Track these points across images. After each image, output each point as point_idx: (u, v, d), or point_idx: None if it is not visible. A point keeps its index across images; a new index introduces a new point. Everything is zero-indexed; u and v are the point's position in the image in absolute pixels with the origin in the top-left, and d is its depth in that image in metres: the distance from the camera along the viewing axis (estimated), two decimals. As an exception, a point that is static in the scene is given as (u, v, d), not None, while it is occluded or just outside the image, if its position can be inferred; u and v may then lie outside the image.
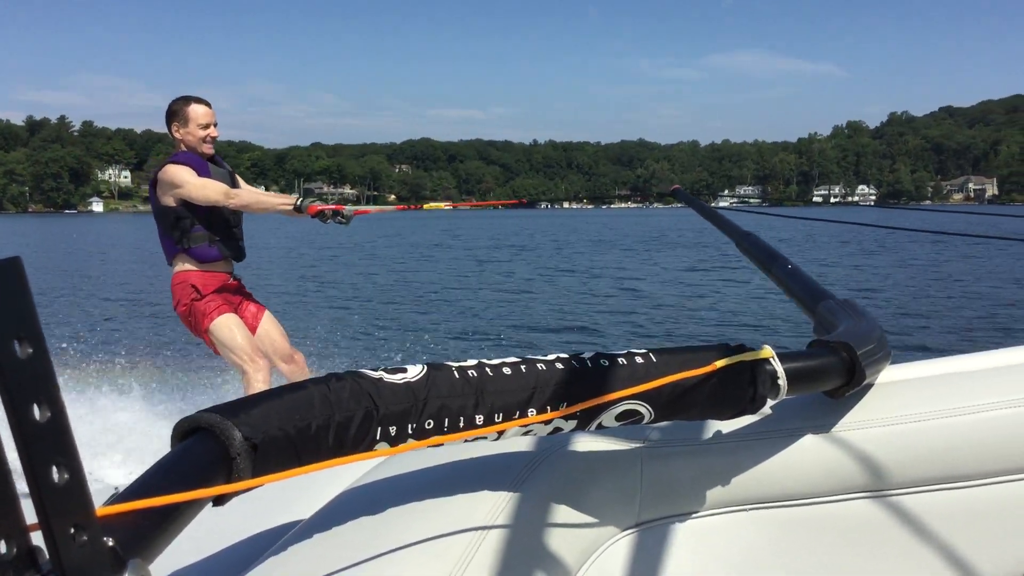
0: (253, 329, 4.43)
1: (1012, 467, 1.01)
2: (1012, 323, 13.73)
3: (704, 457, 1.05)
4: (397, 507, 0.91)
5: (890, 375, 1.10)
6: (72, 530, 0.40)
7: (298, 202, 4.26)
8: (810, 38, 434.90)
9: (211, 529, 1.18)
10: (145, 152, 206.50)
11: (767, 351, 0.92)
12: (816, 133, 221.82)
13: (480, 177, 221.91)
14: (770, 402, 0.93)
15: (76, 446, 0.41)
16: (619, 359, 0.85)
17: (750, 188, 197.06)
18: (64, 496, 0.39)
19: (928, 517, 1.02)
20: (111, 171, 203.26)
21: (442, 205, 5.50)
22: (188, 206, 4.20)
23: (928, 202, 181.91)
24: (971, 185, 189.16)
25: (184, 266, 4.30)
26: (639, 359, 0.86)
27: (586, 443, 1.05)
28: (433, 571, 0.79)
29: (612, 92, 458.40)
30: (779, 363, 0.92)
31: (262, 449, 0.61)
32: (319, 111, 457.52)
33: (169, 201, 4.22)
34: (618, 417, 0.85)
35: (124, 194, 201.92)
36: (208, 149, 4.27)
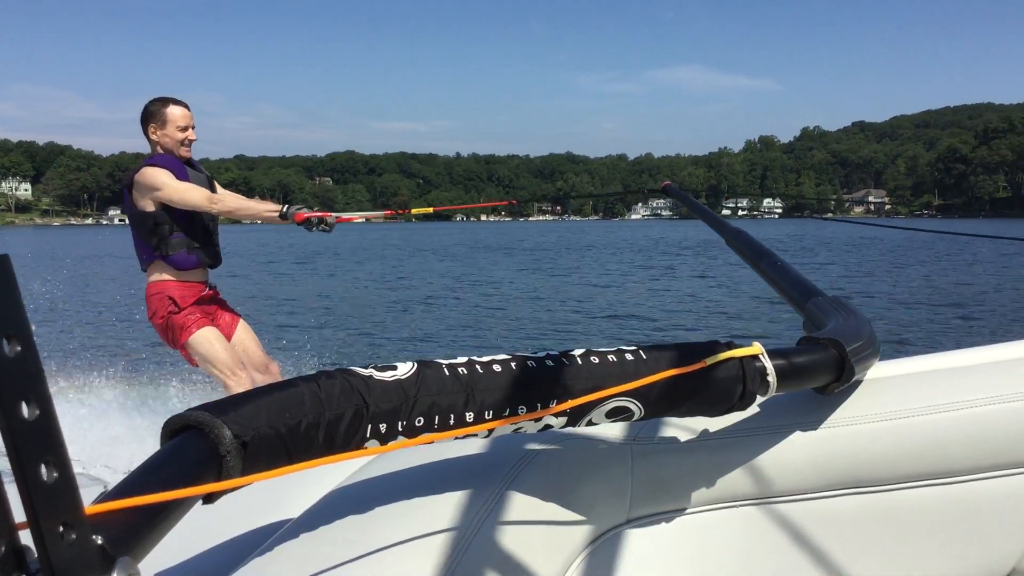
0: (228, 337, 4.30)
1: (1000, 462, 1.02)
2: (999, 320, 13.80)
3: (694, 454, 1.05)
4: (387, 505, 0.90)
5: (879, 371, 1.11)
6: (61, 528, 0.40)
7: (284, 209, 4.11)
8: (749, 54, 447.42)
9: (201, 527, 1.21)
10: (46, 164, 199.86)
11: (756, 347, 0.92)
12: (727, 148, 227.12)
13: (395, 190, 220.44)
14: (760, 398, 0.94)
15: (65, 444, 0.40)
16: (609, 356, 0.85)
17: (662, 200, 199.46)
18: (53, 494, 0.39)
19: (917, 513, 1.03)
20: (8, 184, 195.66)
21: (428, 210, 5.16)
22: (168, 211, 4.03)
23: (830, 215, 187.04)
24: (870, 198, 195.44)
25: (161, 275, 4.12)
26: (629, 356, 0.86)
27: (576, 440, 1.05)
28: (423, 569, 0.78)
29: (556, 105, 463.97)
30: (768, 359, 0.92)
31: (252, 447, 0.61)
32: (262, 123, 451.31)
33: (147, 205, 4.02)
34: (608, 414, 0.85)
35: (22, 207, 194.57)
36: (186, 152, 4.12)
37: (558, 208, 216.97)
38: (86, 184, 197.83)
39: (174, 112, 4.06)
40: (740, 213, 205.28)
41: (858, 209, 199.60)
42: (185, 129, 4.08)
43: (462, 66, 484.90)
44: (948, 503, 1.03)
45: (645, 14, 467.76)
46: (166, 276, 4.11)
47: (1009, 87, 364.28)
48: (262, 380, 4.33)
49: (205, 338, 4.12)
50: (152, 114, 4.07)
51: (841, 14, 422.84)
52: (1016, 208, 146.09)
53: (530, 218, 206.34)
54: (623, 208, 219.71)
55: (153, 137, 4.07)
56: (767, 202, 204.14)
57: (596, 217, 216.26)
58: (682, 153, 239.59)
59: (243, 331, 4.42)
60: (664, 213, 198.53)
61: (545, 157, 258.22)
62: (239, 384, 4.11)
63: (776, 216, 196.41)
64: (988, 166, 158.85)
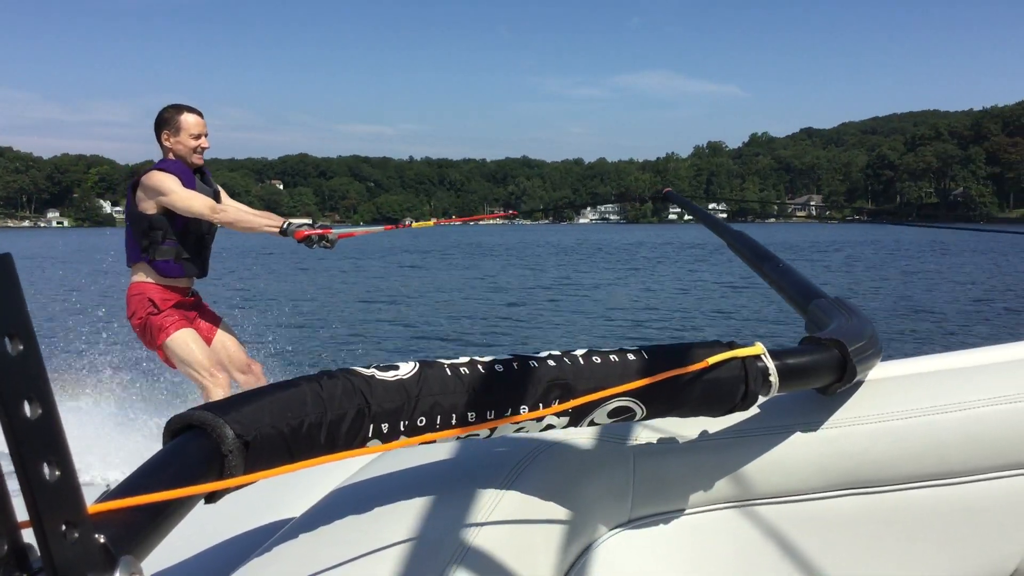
0: (209, 340, 4.32)
1: (1001, 463, 1.02)
2: (1002, 320, 13.96)
3: (696, 454, 1.05)
4: (389, 505, 0.90)
5: (880, 372, 1.10)
6: (63, 527, 0.40)
7: (284, 226, 4.13)
8: (714, 60, 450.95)
9: (203, 526, 1.21)
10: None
11: (758, 347, 0.92)
12: (674, 153, 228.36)
13: (344, 194, 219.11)
14: (762, 399, 0.93)
15: (67, 443, 0.41)
16: (611, 356, 0.85)
17: (611, 207, 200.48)
18: (55, 493, 0.39)
19: (919, 514, 1.03)
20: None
21: (430, 223, 5.16)
22: (167, 216, 4.09)
23: (772, 220, 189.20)
24: (812, 204, 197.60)
25: (143, 277, 4.19)
26: (631, 356, 0.86)
27: (578, 440, 1.05)
28: (424, 569, 0.78)
29: (525, 109, 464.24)
30: (770, 359, 0.91)
31: (254, 447, 0.61)
32: (227, 125, 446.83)
33: (148, 208, 4.09)
34: (610, 414, 0.85)
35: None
36: (198, 159, 4.19)
37: (511, 212, 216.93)
38: (24, 186, 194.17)
39: (188, 120, 4.12)
40: (686, 218, 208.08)
41: (800, 214, 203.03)
42: (198, 137, 4.14)
43: (431, 70, 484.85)
44: (950, 504, 1.02)
45: (613, 19, 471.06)
46: (148, 279, 4.17)
47: (955, 95, 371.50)
48: (244, 381, 4.40)
49: (183, 339, 4.15)
50: (166, 121, 4.12)
51: (802, 23, 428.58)
52: (942, 213, 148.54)
53: (480, 222, 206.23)
54: (571, 213, 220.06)
55: (166, 144, 4.12)
56: (712, 206, 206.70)
57: (546, 221, 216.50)
58: (650, 158, 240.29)
59: (224, 333, 4.45)
60: (612, 218, 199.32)
61: (500, 161, 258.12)
62: (216, 385, 4.12)
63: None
64: (914, 172, 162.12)
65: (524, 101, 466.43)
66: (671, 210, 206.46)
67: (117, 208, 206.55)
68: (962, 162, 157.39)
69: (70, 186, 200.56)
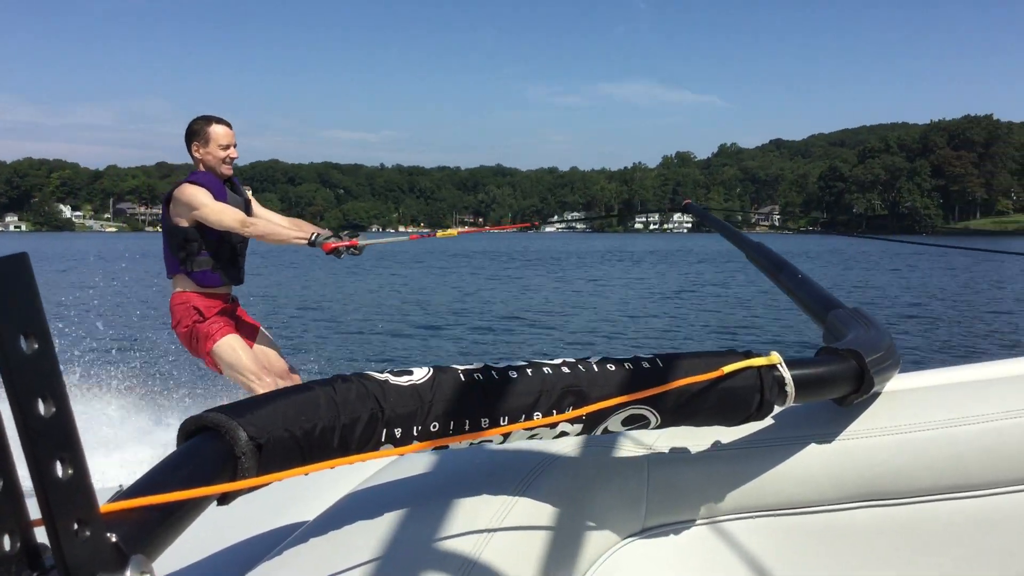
0: (249, 347, 4.37)
1: (1019, 477, 1.00)
2: (1020, 334, 13.99)
3: (710, 464, 1.04)
4: (402, 510, 0.90)
5: (897, 384, 1.09)
6: (75, 526, 0.40)
7: (313, 237, 4.12)
8: (695, 71, 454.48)
9: (215, 528, 1.20)
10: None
11: (775, 357, 0.91)
12: (641, 163, 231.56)
13: (311, 200, 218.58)
14: (777, 409, 0.93)
15: (80, 442, 0.41)
16: (626, 364, 0.85)
17: (576, 213, 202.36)
18: (68, 491, 0.39)
19: (934, 527, 1.01)
20: None
21: (453, 232, 5.08)
22: (200, 229, 4.15)
23: (737, 229, 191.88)
24: (775, 215, 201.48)
25: (185, 286, 4.27)
26: (646, 364, 0.85)
27: (592, 448, 1.04)
28: (437, 574, 0.78)
29: (507, 117, 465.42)
30: (787, 369, 0.91)
31: (267, 450, 0.62)
32: None
33: (181, 221, 4.16)
34: (624, 422, 0.84)
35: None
36: (227, 170, 4.25)
37: (480, 220, 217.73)
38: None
39: (217, 131, 4.19)
40: (651, 227, 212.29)
41: (764, 224, 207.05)
42: (227, 147, 4.20)
43: (416, 78, 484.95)
44: (967, 517, 1.01)
45: (597, 29, 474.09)
46: (189, 289, 4.26)
47: (924, 106, 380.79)
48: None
49: (230, 345, 4.23)
50: (196, 132, 4.20)
51: (781, 34, 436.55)
52: (891, 225, 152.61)
53: (448, 228, 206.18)
54: (539, 220, 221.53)
55: (196, 155, 4.20)
56: (677, 217, 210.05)
57: (514, 229, 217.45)
58: (627, 167, 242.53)
59: (264, 340, 4.53)
60: (578, 227, 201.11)
61: (474, 169, 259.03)
62: (264, 388, 4.10)
63: (685, 231, 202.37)
64: (863, 184, 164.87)
65: (508, 109, 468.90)
66: (637, 220, 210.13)
67: (77, 213, 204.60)
68: (909, 175, 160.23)
69: (30, 190, 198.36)
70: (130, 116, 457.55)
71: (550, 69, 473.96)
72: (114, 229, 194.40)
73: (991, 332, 14.46)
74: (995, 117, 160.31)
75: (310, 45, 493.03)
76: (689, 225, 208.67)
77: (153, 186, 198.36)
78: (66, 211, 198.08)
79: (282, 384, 4.35)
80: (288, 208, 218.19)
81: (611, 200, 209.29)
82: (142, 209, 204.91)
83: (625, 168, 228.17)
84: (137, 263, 35.08)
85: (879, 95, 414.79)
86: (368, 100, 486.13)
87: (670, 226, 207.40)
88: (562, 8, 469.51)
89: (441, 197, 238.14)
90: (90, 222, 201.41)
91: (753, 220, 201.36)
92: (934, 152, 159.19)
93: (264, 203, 4.82)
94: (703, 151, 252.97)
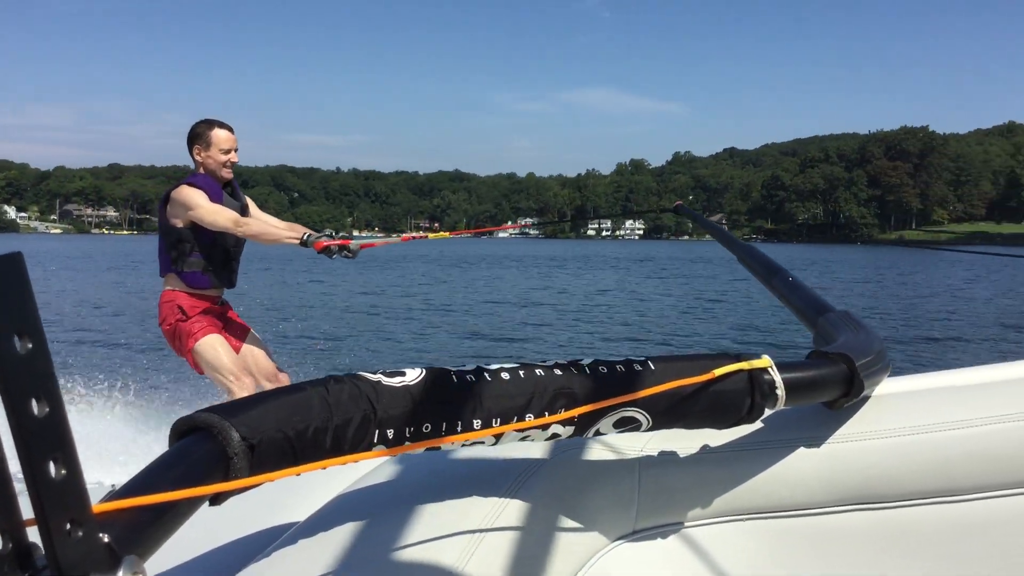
0: (236, 349, 4.41)
1: (1008, 482, 1.02)
2: (1010, 339, 14.27)
3: (701, 466, 1.05)
4: (393, 511, 0.91)
5: (887, 388, 1.11)
6: (68, 526, 0.40)
7: (305, 237, 4.18)
8: (658, 79, 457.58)
9: (207, 528, 1.21)
10: None
11: (765, 360, 0.92)
12: (595, 169, 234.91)
13: (263, 203, 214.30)
14: (768, 411, 0.94)
15: (74, 442, 0.41)
16: (618, 366, 0.85)
17: (530, 219, 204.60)
18: (61, 491, 0.40)
19: (924, 530, 1.02)
20: None
21: (445, 234, 5.36)
22: (194, 230, 4.21)
23: (687, 237, 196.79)
24: (723, 223, 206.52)
25: (174, 285, 4.33)
26: (637, 366, 0.86)
27: (584, 450, 1.05)
28: (428, 575, 0.79)
29: (473, 122, 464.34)
30: (777, 372, 0.92)
31: (259, 450, 0.62)
32: (169, 131, 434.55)
33: (177, 222, 4.21)
34: (616, 424, 0.85)
35: None
36: (227, 174, 4.33)
37: (436, 225, 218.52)
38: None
39: (219, 135, 4.29)
40: (604, 234, 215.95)
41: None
42: (228, 152, 4.30)
43: (384, 82, 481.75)
44: (955, 521, 1.02)
45: (561, 36, 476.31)
46: (178, 288, 4.34)
47: (874, 117, 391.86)
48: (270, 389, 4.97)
49: (211, 344, 4.26)
50: (198, 136, 4.30)
51: (739, 44, 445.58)
52: (830, 234, 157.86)
53: (403, 233, 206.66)
54: (494, 226, 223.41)
55: (197, 158, 4.30)
56: (629, 224, 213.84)
57: (468, 234, 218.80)
58: (594, 169, 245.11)
59: (252, 341, 4.56)
60: (532, 232, 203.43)
61: (431, 174, 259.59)
62: (243, 389, 4.18)
63: (636, 238, 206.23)
64: (802, 193, 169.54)
65: (475, 114, 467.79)
66: (590, 226, 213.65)
67: (23, 214, 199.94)
68: (846, 184, 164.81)
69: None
70: (90, 117, 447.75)
71: (516, 76, 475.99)
72: (59, 231, 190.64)
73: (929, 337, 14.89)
74: (931, 129, 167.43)
75: (279, 46, 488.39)
76: (641, 232, 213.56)
77: (100, 187, 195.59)
78: (10, 212, 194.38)
79: (268, 386, 4.41)
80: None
81: (563, 206, 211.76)
82: (88, 211, 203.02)
83: (579, 175, 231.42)
84: (67, 264, 35.82)
85: (833, 105, 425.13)
86: (336, 104, 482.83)
87: (622, 232, 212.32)
88: (529, 15, 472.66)
89: (396, 202, 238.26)
90: (35, 223, 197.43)
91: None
92: (871, 162, 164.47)
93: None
94: (662, 158, 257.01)
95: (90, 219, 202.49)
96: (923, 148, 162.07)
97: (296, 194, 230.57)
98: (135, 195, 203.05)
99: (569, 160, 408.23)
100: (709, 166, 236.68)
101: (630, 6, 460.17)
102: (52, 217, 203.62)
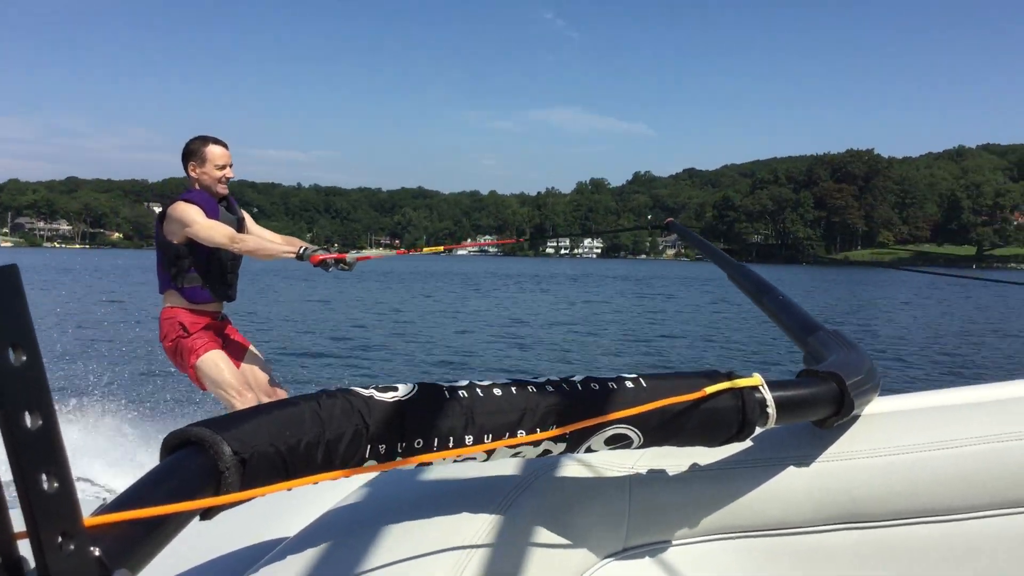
0: (236, 364, 4.42)
1: (997, 502, 1.02)
2: (999, 359, 14.52)
3: (692, 484, 1.06)
4: (383, 526, 0.91)
5: (877, 407, 1.11)
6: (59, 539, 0.40)
7: (300, 251, 4.17)
8: (622, 99, 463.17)
9: (198, 542, 1.21)
10: None
11: (756, 378, 0.93)
12: (554, 188, 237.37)
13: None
14: (758, 430, 0.94)
15: (66, 455, 0.41)
16: (609, 383, 0.86)
17: (489, 236, 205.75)
18: (53, 504, 0.40)
19: (913, 550, 1.03)
20: None
21: (439, 249, 5.35)
22: (190, 246, 4.22)
23: (644, 256, 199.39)
24: (679, 242, 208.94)
25: (174, 302, 4.35)
26: (629, 383, 0.87)
27: (575, 467, 1.06)
28: None
29: (441, 139, 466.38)
30: (768, 391, 0.92)
31: (251, 464, 0.62)
32: (131, 144, 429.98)
33: (173, 237, 4.22)
34: (607, 441, 0.85)
35: None
36: (223, 189, 4.33)
37: (396, 241, 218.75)
38: None
39: (214, 151, 4.29)
40: (562, 252, 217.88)
41: (671, 251, 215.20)
42: (223, 167, 4.31)
43: (352, 98, 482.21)
44: (944, 541, 1.02)
45: (529, 56, 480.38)
46: (178, 304, 4.35)
47: (832, 138, 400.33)
48: None
49: (213, 361, 4.28)
50: (193, 152, 4.30)
51: (703, 66, 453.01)
52: (779, 254, 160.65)
53: (363, 249, 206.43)
54: (453, 243, 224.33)
55: (193, 174, 4.29)
56: (587, 242, 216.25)
57: (460, 249, 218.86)
58: (554, 188, 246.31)
59: (252, 357, 4.58)
60: (490, 251, 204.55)
61: (394, 191, 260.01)
62: (246, 404, 4.17)
63: (595, 256, 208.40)
64: (751, 214, 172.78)
65: (445, 132, 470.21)
66: (549, 245, 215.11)
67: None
68: (793, 205, 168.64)
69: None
70: (50, 130, 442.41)
71: (486, 95, 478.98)
72: (10, 244, 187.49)
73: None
74: (876, 152, 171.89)
75: (245, 61, 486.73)
76: (599, 251, 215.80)
77: (53, 201, 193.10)
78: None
79: (266, 400, 5.17)
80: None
81: (522, 223, 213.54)
82: (41, 224, 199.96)
83: (539, 193, 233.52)
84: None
85: (792, 128, 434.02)
86: (302, 121, 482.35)
87: (580, 251, 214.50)
88: (499, 35, 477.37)
89: (357, 218, 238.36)
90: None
91: (660, 248, 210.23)
92: (818, 184, 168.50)
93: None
94: (623, 178, 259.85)
95: (42, 232, 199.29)
96: (868, 171, 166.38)
97: (256, 209, 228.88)
98: (88, 209, 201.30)
99: (532, 179, 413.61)
100: (668, 186, 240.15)
101: (597, 28, 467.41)
102: (4, 230, 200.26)
